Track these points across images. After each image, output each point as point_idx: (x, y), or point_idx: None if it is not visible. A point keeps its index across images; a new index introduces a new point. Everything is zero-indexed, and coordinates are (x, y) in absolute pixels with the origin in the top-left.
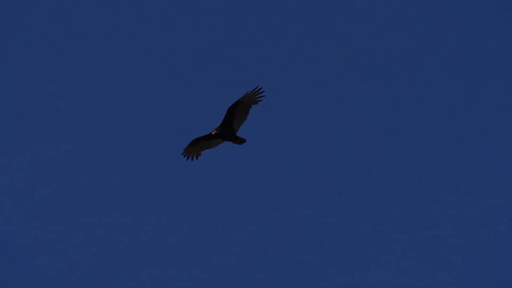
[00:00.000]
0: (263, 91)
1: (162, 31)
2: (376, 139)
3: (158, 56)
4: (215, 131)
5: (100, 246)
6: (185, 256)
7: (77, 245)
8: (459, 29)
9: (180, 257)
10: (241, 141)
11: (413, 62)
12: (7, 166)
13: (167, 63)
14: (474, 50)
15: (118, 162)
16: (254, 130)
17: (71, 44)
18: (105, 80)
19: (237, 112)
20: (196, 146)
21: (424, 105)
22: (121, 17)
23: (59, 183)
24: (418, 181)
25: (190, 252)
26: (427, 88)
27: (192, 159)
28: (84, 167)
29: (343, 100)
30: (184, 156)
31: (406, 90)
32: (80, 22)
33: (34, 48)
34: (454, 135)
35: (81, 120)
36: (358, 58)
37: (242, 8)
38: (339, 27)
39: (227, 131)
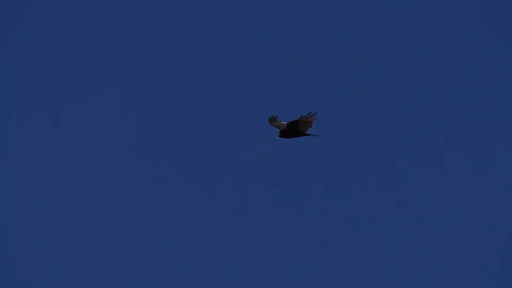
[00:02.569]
0: (315, 113)
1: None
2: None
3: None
4: (279, 135)
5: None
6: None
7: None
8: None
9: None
10: (314, 135)
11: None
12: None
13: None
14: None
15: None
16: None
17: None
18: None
19: (299, 125)
20: (275, 124)
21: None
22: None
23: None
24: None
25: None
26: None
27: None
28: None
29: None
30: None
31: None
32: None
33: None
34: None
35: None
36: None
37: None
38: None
39: (294, 134)
